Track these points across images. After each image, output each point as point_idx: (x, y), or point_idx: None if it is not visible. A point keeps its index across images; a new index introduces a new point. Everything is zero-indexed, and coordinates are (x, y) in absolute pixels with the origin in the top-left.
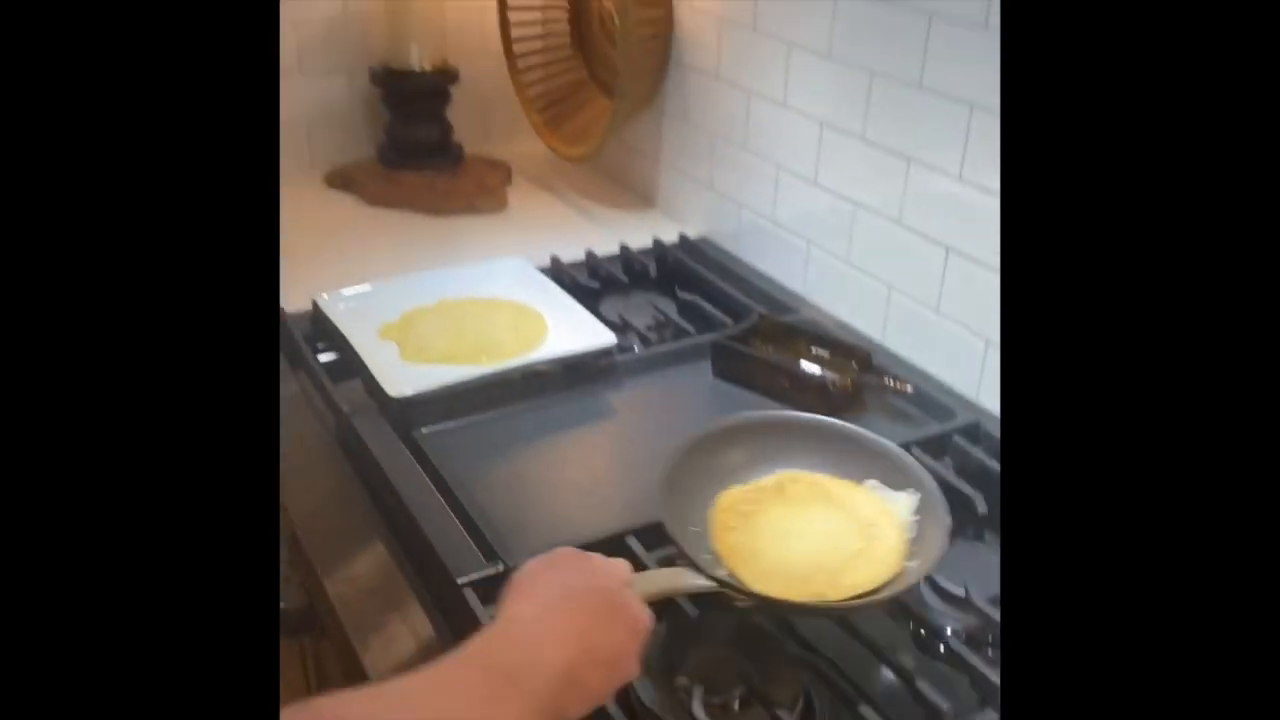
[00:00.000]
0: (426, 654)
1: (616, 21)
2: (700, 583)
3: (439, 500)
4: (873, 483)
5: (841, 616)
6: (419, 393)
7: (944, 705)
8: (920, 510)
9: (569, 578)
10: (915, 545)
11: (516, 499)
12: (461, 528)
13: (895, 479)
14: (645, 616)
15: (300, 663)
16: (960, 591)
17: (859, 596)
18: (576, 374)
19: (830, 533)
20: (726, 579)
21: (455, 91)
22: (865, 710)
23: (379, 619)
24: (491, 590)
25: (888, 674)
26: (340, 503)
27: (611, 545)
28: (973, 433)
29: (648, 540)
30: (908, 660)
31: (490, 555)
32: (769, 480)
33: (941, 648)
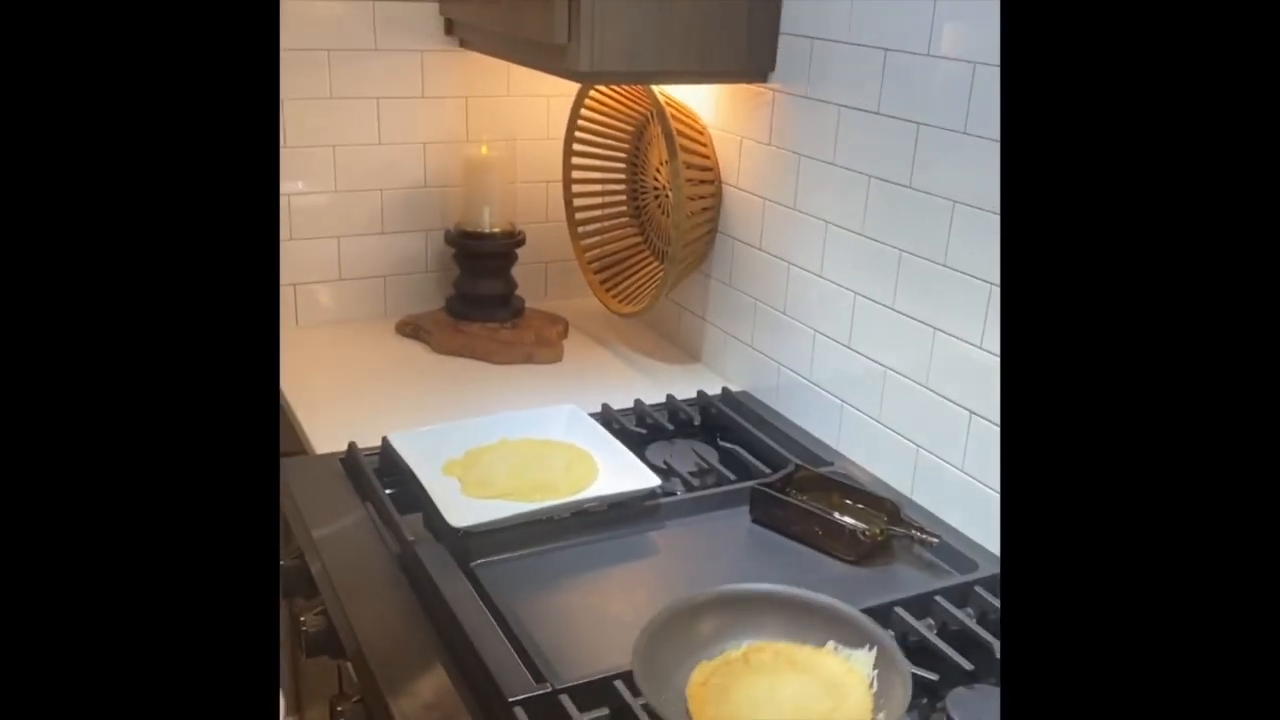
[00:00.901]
0: None
1: (670, 195)
2: None
3: (493, 625)
4: (832, 644)
5: None
6: (478, 524)
7: None
8: (879, 664)
9: None
10: (880, 698)
11: (564, 627)
12: (513, 651)
13: (852, 638)
14: None
15: None
16: None
17: None
18: (623, 513)
19: (801, 696)
20: None
21: (521, 252)
22: None
23: None
24: (539, 709)
25: None
26: (403, 624)
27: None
28: (993, 584)
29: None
30: None
31: (539, 677)
32: (737, 653)
33: None
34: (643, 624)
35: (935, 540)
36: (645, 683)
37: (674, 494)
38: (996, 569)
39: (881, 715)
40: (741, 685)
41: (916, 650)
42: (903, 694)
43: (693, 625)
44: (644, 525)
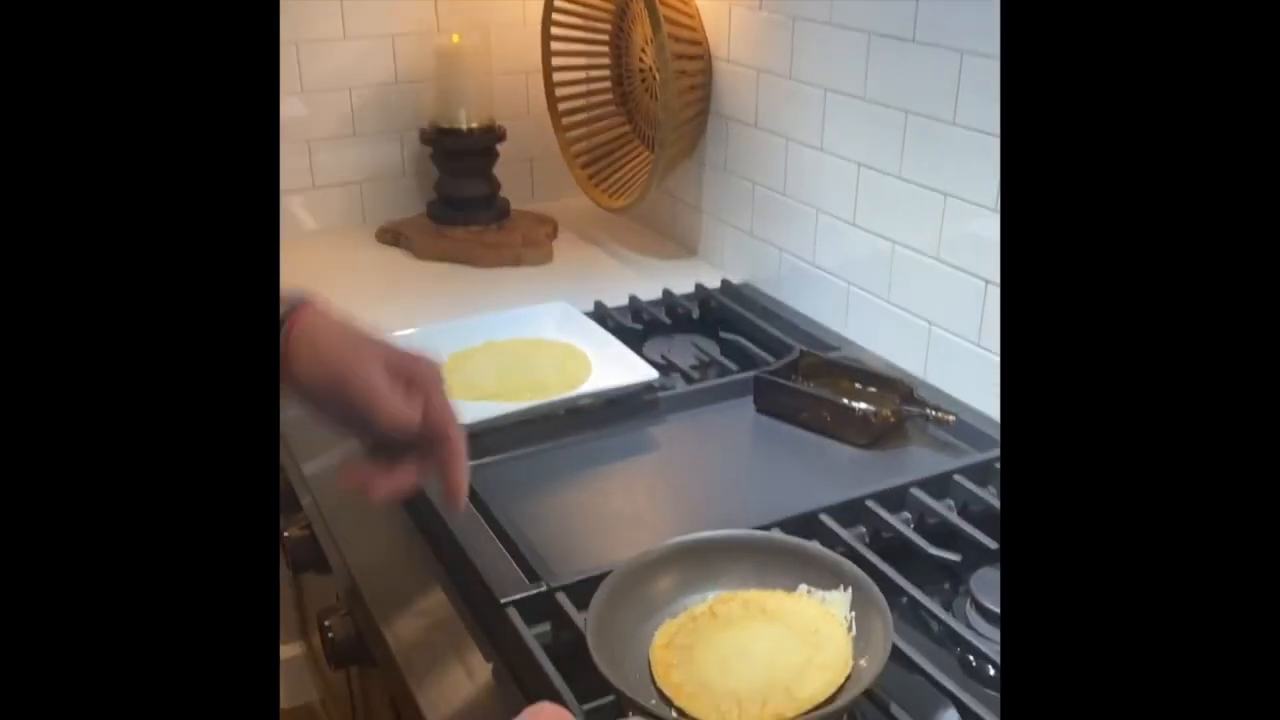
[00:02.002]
0: (472, 676)
1: (656, 76)
2: None
3: (484, 528)
4: (804, 587)
5: None
6: (465, 427)
7: None
8: (856, 605)
9: None
10: (860, 642)
11: (560, 527)
12: (505, 553)
13: (825, 579)
14: None
15: (348, 692)
16: None
17: (819, 707)
18: (619, 409)
19: (775, 649)
20: None
21: (502, 150)
22: None
23: (428, 646)
24: (534, 609)
25: (939, 699)
26: (389, 532)
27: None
28: None
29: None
30: (956, 686)
31: (533, 576)
32: (701, 608)
33: (991, 672)
34: (644, 519)
35: (952, 419)
36: (602, 656)
37: (673, 387)
38: None
39: (863, 661)
40: (709, 643)
41: (936, 532)
42: (884, 635)
43: (650, 584)
44: (643, 421)
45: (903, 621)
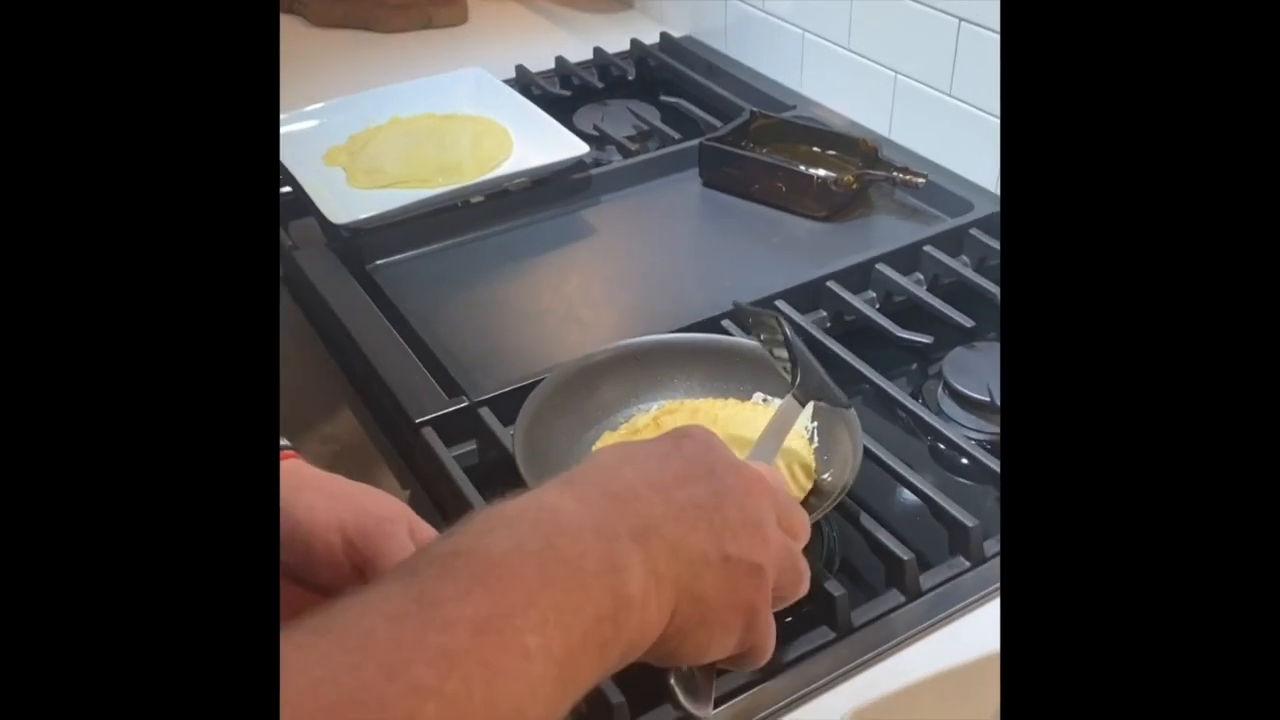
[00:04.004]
0: None
1: None
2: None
3: (395, 337)
4: (760, 396)
5: None
6: (364, 220)
7: (970, 523)
8: (818, 414)
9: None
10: (824, 454)
11: (484, 332)
12: (420, 365)
13: (783, 385)
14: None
15: None
16: (983, 396)
17: None
18: (547, 191)
19: None
20: None
21: None
22: (883, 537)
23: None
24: (454, 427)
25: (906, 495)
26: (289, 345)
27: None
28: (992, 225)
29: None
30: (927, 478)
31: (452, 391)
32: (644, 419)
33: (964, 461)
34: (578, 318)
35: (921, 181)
36: (533, 476)
37: (608, 163)
38: (994, 208)
39: (828, 475)
40: None
41: (905, 311)
42: (851, 444)
43: (587, 394)
44: (574, 203)
45: (869, 410)
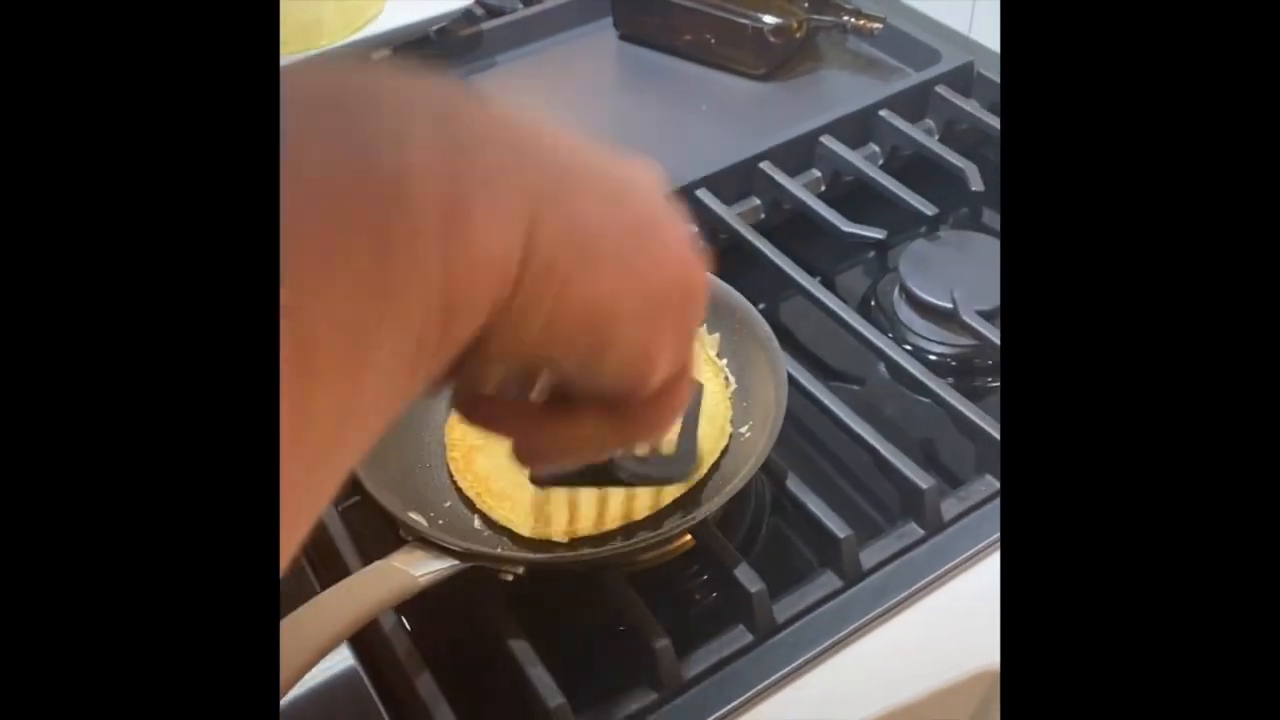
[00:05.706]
0: None
1: None
2: (434, 567)
3: None
4: None
5: (667, 542)
6: None
7: (923, 484)
8: (730, 351)
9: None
10: (741, 401)
11: None
12: None
13: None
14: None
15: None
16: (945, 303)
17: (682, 503)
18: (430, 52)
19: None
20: (481, 550)
21: None
22: (814, 506)
23: None
24: None
25: (847, 444)
26: None
27: None
28: (963, 79)
29: None
30: (873, 423)
31: None
32: None
33: (922, 399)
34: None
35: (878, 26)
36: (369, 468)
37: (502, 12)
38: (967, 57)
39: (745, 428)
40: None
41: (854, 195)
42: (775, 389)
43: None
44: (463, 65)
45: (808, 324)
